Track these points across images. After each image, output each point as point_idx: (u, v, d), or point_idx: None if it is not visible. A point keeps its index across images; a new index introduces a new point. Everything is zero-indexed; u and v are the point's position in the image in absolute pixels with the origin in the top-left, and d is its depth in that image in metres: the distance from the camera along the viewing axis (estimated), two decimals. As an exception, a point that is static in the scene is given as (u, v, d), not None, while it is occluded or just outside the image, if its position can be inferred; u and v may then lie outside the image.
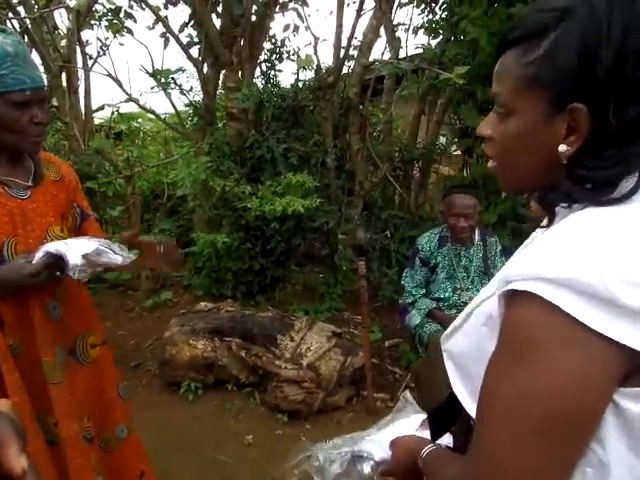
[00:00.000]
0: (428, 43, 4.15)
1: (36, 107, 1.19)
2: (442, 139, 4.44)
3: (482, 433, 0.54)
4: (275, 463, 2.28)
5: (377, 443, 0.91)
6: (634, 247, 0.47)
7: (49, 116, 1.29)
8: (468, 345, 0.66)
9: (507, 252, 2.82)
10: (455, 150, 4.44)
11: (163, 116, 4.31)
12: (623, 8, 0.50)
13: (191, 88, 4.02)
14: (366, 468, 0.90)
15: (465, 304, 2.61)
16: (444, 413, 0.76)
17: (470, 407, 0.64)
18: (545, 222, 0.61)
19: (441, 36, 3.94)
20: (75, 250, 1.20)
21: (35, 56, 3.83)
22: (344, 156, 3.60)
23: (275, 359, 2.63)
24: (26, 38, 3.57)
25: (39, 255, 1.19)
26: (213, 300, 3.22)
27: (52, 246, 1.21)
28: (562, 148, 0.55)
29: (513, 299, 0.51)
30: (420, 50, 4.02)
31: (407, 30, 4.46)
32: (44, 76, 1.21)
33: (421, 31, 4.35)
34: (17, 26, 3.56)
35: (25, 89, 1.15)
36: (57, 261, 1.19)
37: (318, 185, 3.09)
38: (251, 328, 2.73)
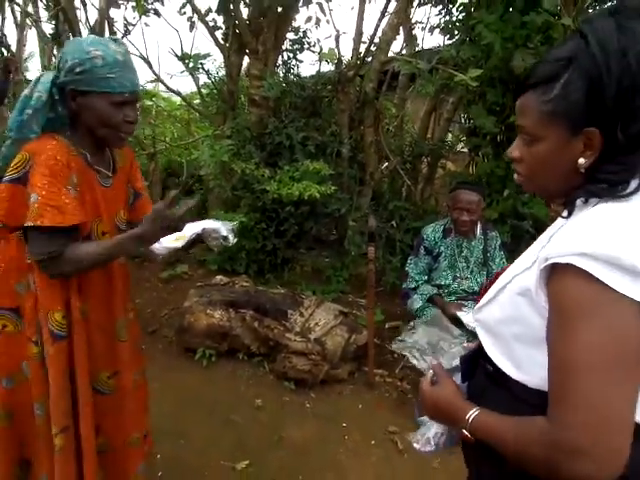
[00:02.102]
0: (444, 43, 4.31)
1: (129, 107, 1.35)
2: (450, 136, 4.63)
3: (568, 389, 0.67)
4: (283, 425, 2.51)
5: None
6: None
7: (138, 115, 1.44)
8: (503, 313, 0.83)
9: (506, 246, 3.03)
10: (462, 148, 4.63)
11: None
12: (617, 53, 0.70)
13: (217, 72, 4.16)
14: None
15: (464, 292, 2.83)
16: (471, 360, 0.96)
17: (504, 364, 0.82)
18: (565, 214, 0.78)
19: (456, 37, 4.11)
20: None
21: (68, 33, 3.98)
22: (358, 147, 3.78)
23: (285, 332, 2.84)
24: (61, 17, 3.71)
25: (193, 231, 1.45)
26: (226, 275, 3.42)
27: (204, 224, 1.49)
28: (581, 161, 0.74)
29: (557, 274, 0.69)
30: (436, 49, 4.19)
31: (424, 29, 4.62)
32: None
33: (437, 31, 4.51)
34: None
35: (125, 92, 1.31)
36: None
37: (332, 173, 3.28)
38: (264, 302, 2.93)
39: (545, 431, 0.69)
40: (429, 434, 1.10)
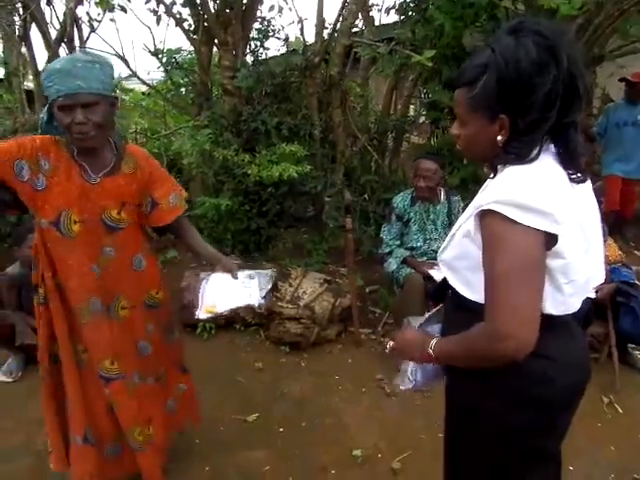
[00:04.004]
0: (399, 22, 4.57)
1: (78, 110, 1.45)
2: (412, 111, 4.93)
3: (494, 295, 0.94)
4: (282, 382, 2.83)
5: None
6: (540, 183, 0.96)
7: (99, 117, 1.48)
8: (456, 252, 1.14)
9: (468, 209, 3.38)
10: (423, 121, 4.94)
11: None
12: (514, 62, 0.97)
13: (187, 64, 4.30)
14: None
15: (434, 252, 3.17)
16: (440, 290, 1.28)
17: (462, 289, 1.12)
18: (491, 175, 1.10)
19: (410, 17, 4.37)
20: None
21: (36, 33, 4.07)
22: (328, 128, 4.05)
23: (278, 301, 3.13)
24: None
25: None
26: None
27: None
28: (499, 138, 1.04)
29: (483, 217, 0.98)
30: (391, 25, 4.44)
31: (380, 10, 4.87)
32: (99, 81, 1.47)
33: (392, 12, 4.77)
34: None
35: (60, 96, 1.43)
36: None
37: (307, 154, 3.55)
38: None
39: (483, 329, 0.98)
40: (407, 372, 1.43)
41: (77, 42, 4.36)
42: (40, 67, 4.37)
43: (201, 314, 1.73)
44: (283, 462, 2.22)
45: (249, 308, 3.18)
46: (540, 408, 1.08)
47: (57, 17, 4.16)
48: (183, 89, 4.36)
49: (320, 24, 3.86)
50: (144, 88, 5.19)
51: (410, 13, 4.35)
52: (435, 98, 4.03)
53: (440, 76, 3.95)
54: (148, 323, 1.82)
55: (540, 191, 0.95)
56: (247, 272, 1.82)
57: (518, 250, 0.94)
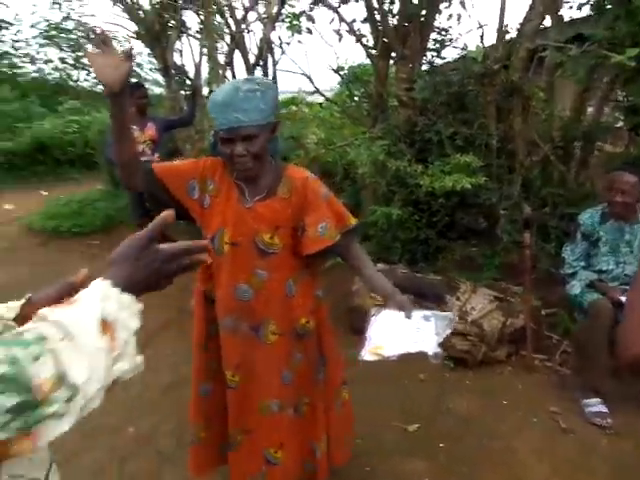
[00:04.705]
0: (593, 18, 4.12)
1: (238, 143, 1.49)
2: (606, 116, 4.41)
3: None
4: (446, 397, 2.77)
5: None
6: None
7: (258, 148, 1.51)
8: None
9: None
10: (620, 127, 4.38)
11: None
12: None
13: (364, 78, 4.52)
14: None
15: (628, 276, 2.80)
16: None
17: None
18: None
19: (607, 13, 3.91)
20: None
21: (238, 58, 4.66)
22: (506, 137, 3.85)
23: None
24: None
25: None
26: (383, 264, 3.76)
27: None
28: None
29: None
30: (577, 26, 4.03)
31: (571, 7, 4.45)
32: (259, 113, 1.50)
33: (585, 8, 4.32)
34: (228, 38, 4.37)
35: (222, 129, 1.49)
36: None
37: (482, 165, 3.43)
38: (423, 287, 3.21)
39: None
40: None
41: (270, 64, 4.87)
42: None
43: (366, 355, 1.55)
44: (445, 476, 2.19)
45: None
46: None
47: (256, 43, 4.70)
48: (357, 99, 4.55)
49: (502, 29, 3.70)
50: (321, 99, 5.55)
51: (608, 7, 3.91)
52: (636, 101, 3.55)
53: (645, 76, 3.47)
54: (296, 352, 1.73)
55: None
56: (423, 312, 1.61)
57: None
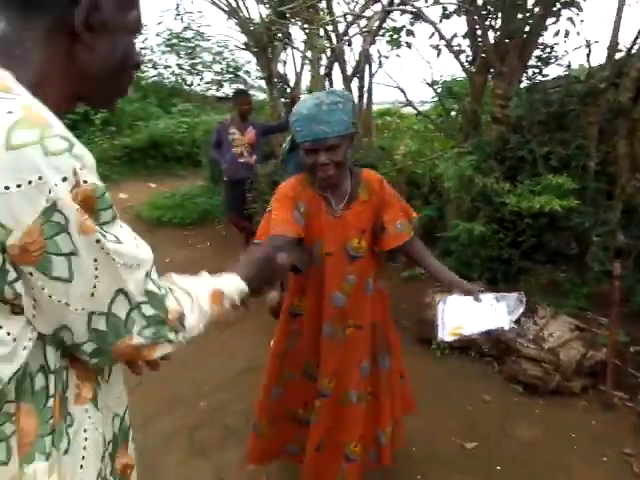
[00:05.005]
0: None
1: (321, 153, 1.58)
2: None
3: None
4: (510, 421, 2.69)
5: None
6: None
7: (340, 156, 1.60)
8: None
9: None
10: None
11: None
12: None
13: (459, 93, 4.51)
14: None
15: None
16: None
17: None
18: None
19: None
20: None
21: (337, 70, 4.85)
22: (607, 160, 3.65)
23: (518, 337, 2.99)
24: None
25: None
26: (460, 280, 3.71)
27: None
28: None
29: None
30: None
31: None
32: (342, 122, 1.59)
33: None
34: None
35: (307, 141, 1.58)
36: None
37: (576, 187, 3.28)
38: (498, 307, 3.14)
39: None
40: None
41: (367, 76, 5.00)
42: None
43: (445, 336, 1.60)
44: (497, 500, 2.15)
45: (486, 337, 3.13)
46: None
47: (354, 55, 4.87)
48: (453, 114, 4.54)
49: (613, 46, 3.51)
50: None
51: None
52: None
53: None
54: (372, 344, 1.87)
55: None
56: (492, 295, 1.63)
57: None
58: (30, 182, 0.56)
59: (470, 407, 2.81)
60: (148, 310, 0.71)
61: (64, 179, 0.59)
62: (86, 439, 0.73)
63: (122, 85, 0.81)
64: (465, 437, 2.54)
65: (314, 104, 1.57)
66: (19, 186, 0.56)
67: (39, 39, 0.69)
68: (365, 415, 1.87)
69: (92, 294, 0.65)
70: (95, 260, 0.64)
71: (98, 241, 0.63)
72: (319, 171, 1.62)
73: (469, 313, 1.60)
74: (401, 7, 4.13)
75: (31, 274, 0.60)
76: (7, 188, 0.55)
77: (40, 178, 0.57)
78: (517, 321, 1.56)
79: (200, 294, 0.83)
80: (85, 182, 0.62)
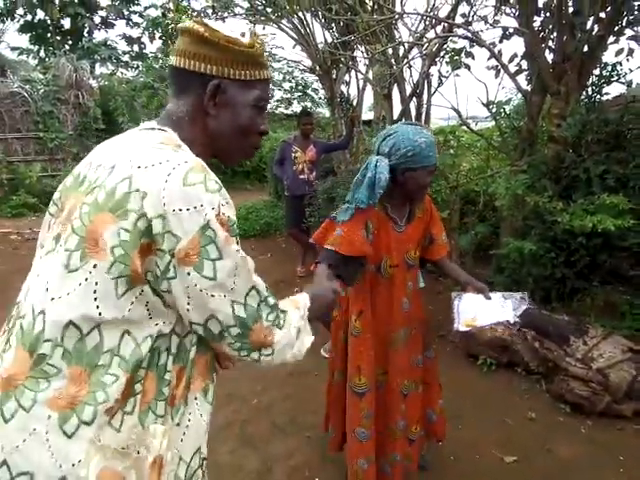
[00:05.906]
0: None
1: (432, 175, 1.88)
2: None
3: None
4: (554, 440, 2.69)
5: None
6: None
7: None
8: None
9: None
10: None
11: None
12: None
13: (516, 113, 4.52)
14: None
15: None
16: None
17: None
18: None
19: None
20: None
21: (396, 91, 5.03)
22: (670, 180, 3.54)
23: (566, 356, 2.98)
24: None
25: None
26: (512, 298, 3.72)
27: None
28: None
29: None
30: None
31: None
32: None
33: None
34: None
35: (433, 164, 1.82)
36: None
37: (633, 207, 3.22)
38: (546, 325, 3.14)
39: None
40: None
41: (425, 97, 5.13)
42: (394, 117, 5.34)
43: (460, 327, 1.87)
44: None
45: (532, 355, 3.14)
46: None
47: (411, 77, 5.02)
48: (506, 132, 4.56)
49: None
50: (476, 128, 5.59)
51: None
52: None
53: None
54: (422, 341, 2.15)
55: None
56: (499, 293, 1.95)
57: None
58: (195, 207, 0.84)
59: (513, 422, 2.84)
60: (271, 300, 0.98)
61: (213, 208, 0.86)
62: (189, 420, 0.97)
63: (247, 148, 1.07)
64: (505, 451, 2.58)
65: (426, 134, 1.81)
66: (188, 209, 0.83)
67: (187, 111, 1.00)
68: (420, 399, 2.16)
69: (232, 289, 0.90)
70: (235, 263, 0.90)
71: (238, 251, 0.90)
72: (423, 192, 1.90)
73: (481, 308, 1.87)
74: (457, 34, 4.25)
75: (189, 274, 0.85)
76: (181, 210, 0.83)
77: (201, 205, 0.84)
78: (520, 316, 1.83)
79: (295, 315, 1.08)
80: (224, 214, 0.88)
